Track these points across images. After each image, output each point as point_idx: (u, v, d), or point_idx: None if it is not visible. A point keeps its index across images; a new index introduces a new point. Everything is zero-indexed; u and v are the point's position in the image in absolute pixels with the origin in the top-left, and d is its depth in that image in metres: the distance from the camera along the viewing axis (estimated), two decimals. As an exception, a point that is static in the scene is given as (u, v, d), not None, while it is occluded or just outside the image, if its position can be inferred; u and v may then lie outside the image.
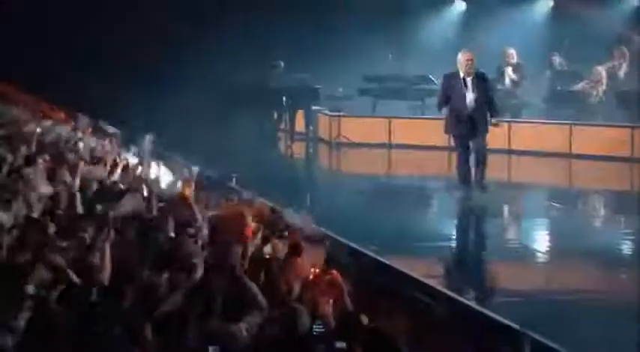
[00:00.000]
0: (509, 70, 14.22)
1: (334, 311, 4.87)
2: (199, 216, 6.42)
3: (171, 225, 5.98)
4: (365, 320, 4.52)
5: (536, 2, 16.49)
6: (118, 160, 8.57)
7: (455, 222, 9.52)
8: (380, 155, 14.33)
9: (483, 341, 5.63)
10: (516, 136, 13.52)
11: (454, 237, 8.87)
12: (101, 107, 12.44)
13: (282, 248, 5.73)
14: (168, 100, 14.61)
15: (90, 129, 10.73)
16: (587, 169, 12.93)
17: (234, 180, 9.37)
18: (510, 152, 12.65)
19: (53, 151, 8.61)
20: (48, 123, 10.75)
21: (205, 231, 6.12)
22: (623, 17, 15.17)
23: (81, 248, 5.41)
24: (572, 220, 10.10)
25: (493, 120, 10.18)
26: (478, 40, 14.04)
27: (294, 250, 5.54)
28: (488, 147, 10.37)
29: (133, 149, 9.79)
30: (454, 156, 10.58)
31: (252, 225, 6.08)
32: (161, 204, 6.86)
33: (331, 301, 4.96)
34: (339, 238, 7.45)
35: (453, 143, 10.63)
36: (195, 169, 8.49)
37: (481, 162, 10.03)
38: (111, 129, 10.87)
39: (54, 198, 6.87)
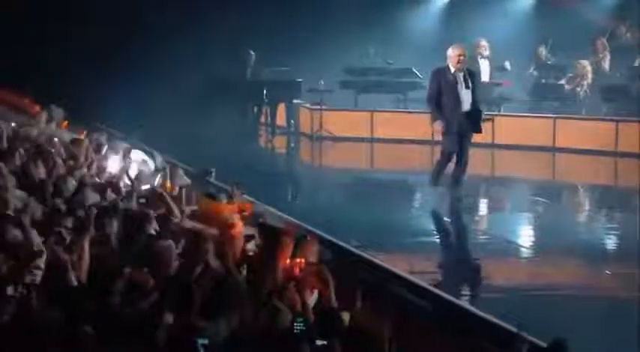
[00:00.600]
0: (483, 63, 14.08)
1: (319, 306, 4.80)
2: (177, 212, 6.34)
3: (152, 221, 5.89)
4: (346, 317, 4.47)
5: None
6: (93, 155, 8.44)
7: (437, 216, 9.46)
8: (362, 149, 14.28)
9: (466, 336, 5.59)
10: (500, 130, 13.49)
11: (437, 232, 8.82)
12: (77, 101, 12.28)
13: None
14: (147, 95, 14.45)
15: (65, 123, 10.58)
16: (571, 163, 12.93)
17: (213, 174, 9.26)
18: (494, 146, 12.60)
19: (28, 145, 8.46)
20: (22, 116, 10.61)
21: (186, 226, 6.02)
22: (609, 9, 15.17)
23: (59, 244, 5.30)
24: (556, 215, 10.08)
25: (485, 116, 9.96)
26: (462, 32, 13.97)
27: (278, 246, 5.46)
28: (471, 141, 10.11)
29: (110, 143, 9.66)
30: (437, 149, 10.50)
31: (237, 221, 5.99)
32: (141, 200, 6.75)
33: (316, 295, 4.88)
34: (320, 233, 7.37)
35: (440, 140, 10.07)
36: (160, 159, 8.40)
37: (465, 162, 9.68)
38: (87, 124, 10.72)
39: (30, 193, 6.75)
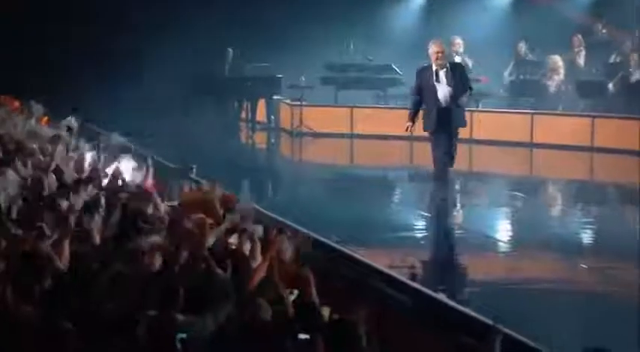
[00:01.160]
0: (457, 60, 14.12)
1: (299, 300, 4.85)
2: (161, 207, 6.37)
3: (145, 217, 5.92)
4: (326, 312, 4.52)
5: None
6: (72, 152, 8.44)
7: (417, 212, 9.53)
8: (342, 144, 14.33)
9: (445, 330, 5.65)
10: (479, 126, 13.59)
11: (416, 228, 8.89)
12: (57, 96, 12.24)
13: (245, 239, 5.68)
14: (126, 90, 14.44)
15: (46, 119, 10.57)
16: (548, 158, 13.06)
17: (194, 170, 9.29)
18: (472, 141, 12.70)
19: (7, 140, 8.45)
20: (1, 112, 10.56)
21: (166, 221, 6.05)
22: (585, 6, 15.32)
23: (40, 239, 5.32)
24: (533, 210, 10.19)
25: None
26: (441, 29, 14.04)
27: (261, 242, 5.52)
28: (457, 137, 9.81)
29: (90, 139, 9.67)
30: (416, 146, 10.58)
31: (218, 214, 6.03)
32: (124, 195, 6.77)
33: (296, 292, 4.94)
34: (300, 228, 7.42)
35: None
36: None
37: (450, 160, 9.54)
38: (67, 120, 10.69)
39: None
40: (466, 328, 5.54)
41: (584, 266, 7.31)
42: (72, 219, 5.56)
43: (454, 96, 9.52)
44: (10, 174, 7.26)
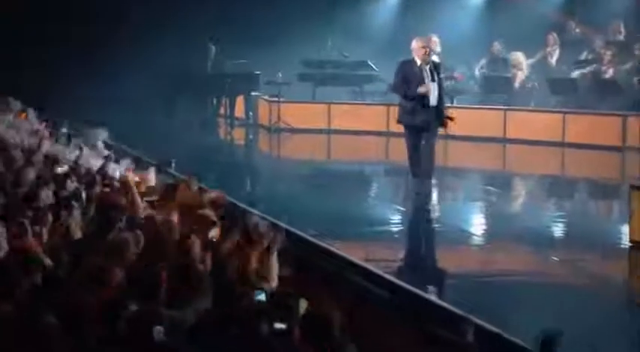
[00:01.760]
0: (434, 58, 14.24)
1: (277, 294, 4.94)
2: (139, 202, 6.42)
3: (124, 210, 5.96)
4: (304, 303, 4.60)
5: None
6: (49, 147, 8.46)
7: (393, 206, 9.64)
8: (319, 140, 14.42)
9: (421, 323, 5.74)
10: (453, 122, 13.69)
11: (392, 222, 8.99)
12: (36, 94, 12.22)
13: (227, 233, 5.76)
14: (104, 87, 14.45)
15: (24, 115, 10.56)
16: (521, 154, 13.23)
17: (173, 165, 9.36)
18: (447, 137, 12.84)
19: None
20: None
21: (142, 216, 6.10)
22: (558, 4, 15.50)
23: (21, 234, 5.36)
24: (507, 204, 10.35)
25: (448, 113, 9.69)
26: (417, 25, 14.16)
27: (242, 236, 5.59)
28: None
29: (67, 134, 9.68)
30: (392, 141, 10.67)
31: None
32: (106, 190, 6.83)
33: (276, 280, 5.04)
34: (279, 223, 7.51)
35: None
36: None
37: (431, 156, 9.48)
38: (43, 116, 10.70)
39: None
40: (441, 320, 5.63)
41: (555, 258, 7.41)
42: (51, 214, 5.59)
43: (438, 94, 9.48)
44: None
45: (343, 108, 14.95)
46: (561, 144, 13.23)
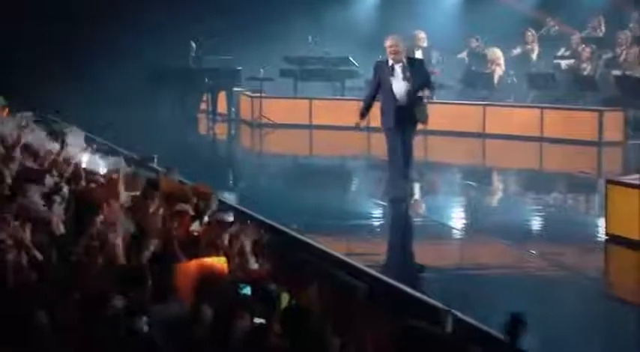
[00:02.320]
0: (418, 54, 14.34)
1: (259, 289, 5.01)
2: (124, 197, 6.44)
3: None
4: (285, 298, 4.67)
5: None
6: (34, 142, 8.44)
7: (374, 200, 9.70)
8: (301, 135, 14.50)
9: (401, 316, 5.80)
10: (433, 117, 13.78)
11: (373, 216, 9.04)
12: (14, 88, 12.19)
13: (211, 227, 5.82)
14: (87, 81, 14.44)
15: (7, 110, 10.53)
16: (500, 148, 13.36)
17: (155, 160, 9.40)
18: (427, 132, 12.95)
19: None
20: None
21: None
22: (536, 1, 15.64)
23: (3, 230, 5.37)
24: (486, 198, 10.47)
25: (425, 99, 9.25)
26: (396, 21, 14.25)
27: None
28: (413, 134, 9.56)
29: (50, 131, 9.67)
30: (373, 136, 10.70)
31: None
32: (93, 185, 6.85)
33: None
34: (261, 217, 7.59)
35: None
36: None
37: (408, 158, 9.25)
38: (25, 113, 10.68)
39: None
40: (421, 313, 5.69)
41: (533, 252, 7.49)
42: (33, 209, 5.61)
43: (410, 92, 9.14)
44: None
45: (324, 104, 15.01)
46: (539, 139, 13.37)
